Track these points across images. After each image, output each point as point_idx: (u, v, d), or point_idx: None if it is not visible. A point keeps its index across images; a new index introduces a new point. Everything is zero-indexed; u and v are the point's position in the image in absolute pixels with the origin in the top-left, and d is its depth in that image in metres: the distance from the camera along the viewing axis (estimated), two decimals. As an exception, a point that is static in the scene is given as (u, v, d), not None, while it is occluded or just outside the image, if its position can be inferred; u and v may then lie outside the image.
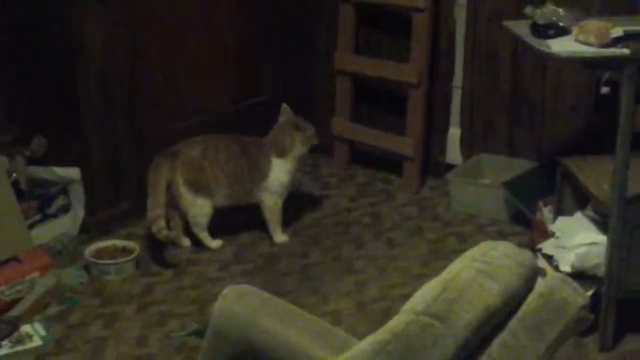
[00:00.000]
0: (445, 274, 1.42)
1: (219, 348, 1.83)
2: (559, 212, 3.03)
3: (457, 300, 1.35)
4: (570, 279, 1.58)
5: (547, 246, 2.91)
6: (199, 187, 3.31)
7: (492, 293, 1.38)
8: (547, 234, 3.02)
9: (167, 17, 3.62)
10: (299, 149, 3.43)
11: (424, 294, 1.37)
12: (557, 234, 2.91)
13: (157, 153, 3.31)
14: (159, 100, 3.56)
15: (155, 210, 3.22)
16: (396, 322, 1.34)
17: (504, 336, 1.43)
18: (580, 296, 1.55)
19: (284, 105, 3.48)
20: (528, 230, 3.38)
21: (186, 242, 3.44)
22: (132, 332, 2.89)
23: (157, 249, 3.34)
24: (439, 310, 1.33)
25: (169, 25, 3.63)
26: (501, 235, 3.46)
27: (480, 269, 1.41)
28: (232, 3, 3.88)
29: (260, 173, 3.39)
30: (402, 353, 1.28)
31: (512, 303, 1.43)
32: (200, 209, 3.34)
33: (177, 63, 3.70)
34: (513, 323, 1.45)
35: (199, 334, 2.74)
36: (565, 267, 2.74)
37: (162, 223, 3.22)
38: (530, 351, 1.44)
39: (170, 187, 3.29)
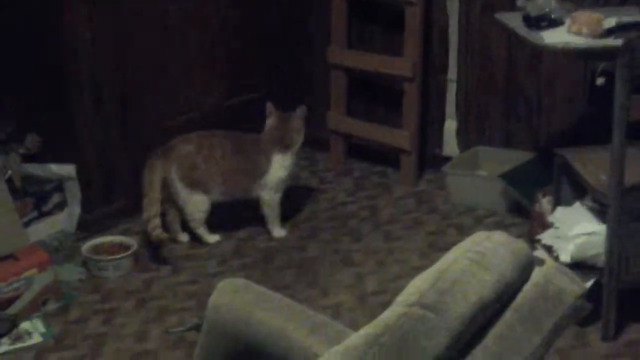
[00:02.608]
0: (438, 265, 1.41)
1: (215, 342, 1.83)
2: (557, 202, 3.03)
3: (450, 291, 1.34)
4: (566, 269, 1.58)
5: (546, 237, 2.91)
6: (194, 183, 3.30)
7: (485, 284, 1.37)
8: (546, 225, 3.02)
9: (158, 13, 3.60)
10: (299, 141, 3.43)
11: (417, 286, 1.36)
12: (556, 224, 2.91)
13: (151, 152, 3.31)
14: (151, 97, 3.55)
15: (150, 210, 3.22)
16: (389, 314, 1.33)
17: (499, 327, 1.42)
18: (577, 285, 1.54)
19: (269, 104, 3.47)
20: (527, 221, 3.38)
21: (184, 237, 3.43)
22: (131, 327, 2.89)
23: (153, 246, 3.33)
24: (432, 301, 1.32)
25: (159, 22, 3.61)
26: (500, 227, 3.46)
27: (474, 259, 1.40)
28: (224, -1, 3.87)
29: (259, 169, 3.39)
30: (395, 345, 1.28)
31: (506, 293, 1.42)
32: (196, 204, 3.34)
33: (168, 60, 3.68)
34: (509, 314, 1.44)
35: (198, 329, 2.74)
36: (565, 258, 2.74)
37: (157, 222, 3.22)
38: (526, 342, 1.44)
39: (165, 185, 3.28)
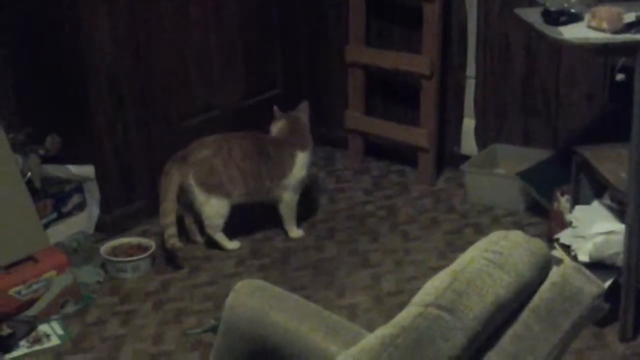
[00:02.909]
0: (455, 265, 1.40)
1: (232, 344, 1.83)
2: (575, 201, 3.00)
3: (467, 291, 1.33)
4: (584, 268, 1.56)
5: (564, 236, 2.88)
6: (212, 187, 3.29)
7: (502, 283, 1.36)
8: (565, 224, 2.99)
9: (176, 13, 3.61)
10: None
11: (433, 286, 1.35)
12: (575, 223, 2.88)
13: (170, 154, 3.31)
14: (170, 97, 3.56)
15: (167, 217, 3.20)
16: (405, 315, 1.32)
17: (516, 327, 1.41)
18: (594, 285, 1.52)
19: (275, 107, 3.49)
20: (545, 220, 3.35)
21: (200, 238, 3.43)
22: (149, 329, 2.90)
23: (169, 251, 3.32)
24: (448, 302, 1.31)
25: (177, 22, 3.62)
26: (518, 226, 3.44)
27: (490, 259, 1.39)
28: (241, -2, 3.87)
29: (281, 170, 3.38)
30: (411, 346, 1.27)
31: (523, 293, 1.41)
32: (215, 209, 3.31)
33: (186, 60, 3.69)
34: (526, 314, 1.42)
35: (215, 330, 2.73)
36: (583, 257, 2.71)
37: (173, 231, 3.20)
38: (543, 342, 1.42)
39: (183, 191, 3.27)
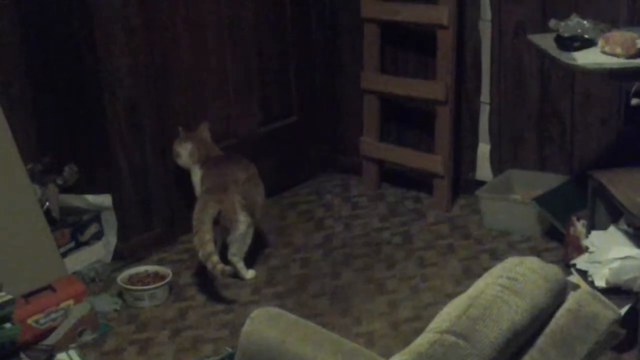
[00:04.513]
0: (470, 291, 1.40)
1: (248, 372, 1.82)
2: (592, 226, 2.98)
3: (482, 318, 1.33)
4: (599, 294, 1.55)
5: (581, 261, 2.86)
6: (252, 211, 3.31)
7: (517, 310, 1.36)
8: (581, 249, 2.98)
9: (192, 40, 3.65)
10: None
11: (449, 313, 1.35)
12: (591, 248, 2.87)
13: (205, 189, 3.30)
14: (187, 125, 3.58)
15: (206, 246, 3.13)
16: (421, 342, 1.32)
17: (532, 353, 1.41)
18: (611, 311, 1.51)
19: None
20: (561, 245, 3.34)
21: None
22: (166, 357, 2.90)
23: (211, 285, 3.30)
24: (464, 328, 1.31)
25: (193, 49, 3.66)
26: (534, 252, 3.43)
27: (506, 285, 1.39)
28: (257, 25, 3.91)
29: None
30: (426, 373, 1.27)
31: (539, 319, 1.41)
32: (251, 233, 3.35)
33: (203, 88, 3.72)
34: (542, 340, 1.42)
35: (232, 358, 2.74)
36: (600, 282, 2.70)
37: (216, 258, 3.14)
38: (560, 368, 1.42)
39: (220, 220, 3.25)
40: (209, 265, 3.13)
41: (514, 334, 1.34)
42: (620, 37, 2.69)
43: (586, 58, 2.67)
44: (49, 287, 3.02)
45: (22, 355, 2.76)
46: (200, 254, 3.14)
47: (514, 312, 1.35)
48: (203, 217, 3.18)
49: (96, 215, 3.48)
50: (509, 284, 1.40)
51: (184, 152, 3.44)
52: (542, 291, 1.42)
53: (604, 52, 2.69)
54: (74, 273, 3.28)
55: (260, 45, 3.95)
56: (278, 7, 4.01)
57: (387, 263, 3.47)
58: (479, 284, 1.42)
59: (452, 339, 1.30)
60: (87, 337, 2.99)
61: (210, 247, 3.13)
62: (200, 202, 3.25)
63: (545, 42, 2.87)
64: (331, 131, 4.30)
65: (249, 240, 3.35)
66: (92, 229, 3.48)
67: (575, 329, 1.44)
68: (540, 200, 3.50)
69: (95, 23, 3.28)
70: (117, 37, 3.34)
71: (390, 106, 4.10)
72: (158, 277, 3.30)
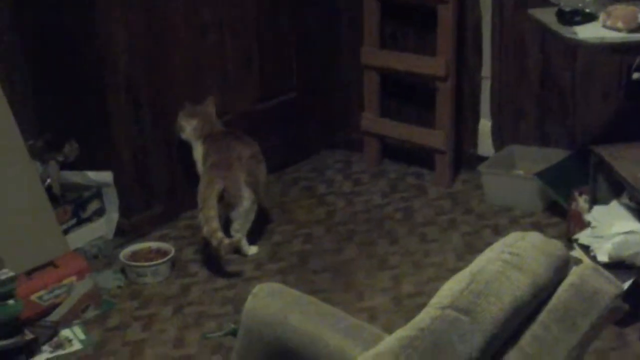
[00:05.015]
0: (472, 267, 1.40)
1: (251, 347, 1.84)
2: (594, 201, 2.99)
3: (484, 293, 1.33)
4: (602, 269, 1.56)
5: (583, 236, 2.87)
6: (255, 187, 3.32)
7: (519, 285, 1.36)
8: (584, 224, 2.98)
9: (192, 18, 3.63)
10: None
11: (450, 288, 1.36)
12: (593, 223, 2.87)
13: (209, 165, 3.29)
14: (187, 101, 3.57)
15: (212, 223, 3.13)
16: (423, 317, 1.32)
17: (534, 328, 1.41)
18: (613, 286, 1.52)
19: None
20: (564, 220, 3.34)
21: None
22: (170, 333, 2.91)
23: (214, 261, 3.30)
24: (466, 304, 1.32)
25: (194, 27, 3.64)
26: (536, 227, 3.43)
27: (508, 260, 1.39)
28: (255, 1, 3.88)
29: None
30: (429, 348, 1.27)
31: (541, 294, 1.41)
32: (255, 210, 3.35)
33: (201, 63, 3.70)
34: (544, 315, 1.43)
35: (235, 333, 2.75)
36: (603, 257, 2.71)
37: (221, 235, 3.14)
38: (562, 343, 1.42)
39: (224, 196, 3.23)
40: (214, 242, 3.13)
41: (515, 309, 1.35)
42: (621, 11, 2.68)
43: (588, 32, 2.66)
44: (51, 264, 3.03)
45: (26, 332, 2.78)
46: (204, 231, 3.15)
47: (515, 288, 1.36)
48: (208, 193, 3.18)
49: (97, 191, 3.48)
50: (511, 259, 1.40)
51: (188, 127, 3.44)
52: (544, 266, 1.42)
53: (605, 27, 2.68)
54: (76, 250, 3.29)
55: (259, 20, 3.93)
56: (278, -18, 3.99)
57: (389, 239, 3.47)
58: (481, 259, 1.43)
59: (454, 314, 1.31)
60: (91, 313, 3.00)
61: (215, 223, 3.13)
62: (204, 179, 3.25)
63: (547, 16, 2.85)
64: (332, 107, 4.29)
65: (252, 217, 3.35)
66: (94, 205, 3.48)
67: (577, 304, 1.45)
68: (542, 176, 3.50)
69: (94, -1, 3.27)
70: (115, 15, 3.32)
71: (390, 82, 4.09)
72: (160, 253, 3.31)
